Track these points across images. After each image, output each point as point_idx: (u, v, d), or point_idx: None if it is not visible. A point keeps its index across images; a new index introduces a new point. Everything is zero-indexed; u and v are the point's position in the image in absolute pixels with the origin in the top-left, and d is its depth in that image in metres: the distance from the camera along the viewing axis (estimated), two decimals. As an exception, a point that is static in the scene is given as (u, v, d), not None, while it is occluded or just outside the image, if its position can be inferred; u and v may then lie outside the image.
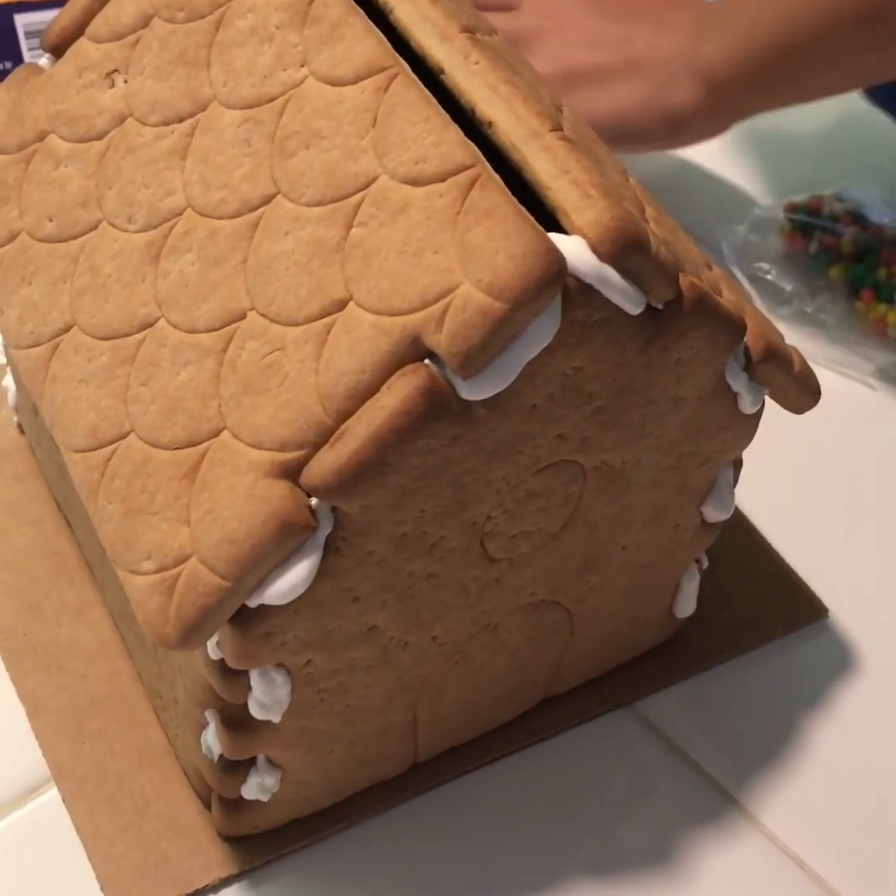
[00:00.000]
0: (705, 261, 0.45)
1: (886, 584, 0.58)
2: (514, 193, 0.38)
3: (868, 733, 0.53)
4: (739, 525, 0.58)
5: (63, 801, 0.49)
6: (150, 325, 0.41)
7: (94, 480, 0.41)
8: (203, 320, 0.40)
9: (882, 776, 0.52)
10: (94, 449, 0.41)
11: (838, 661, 0.56)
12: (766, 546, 0.58)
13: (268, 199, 0.41)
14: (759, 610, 0.56)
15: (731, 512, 0.49)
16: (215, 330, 0.40)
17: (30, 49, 0.71)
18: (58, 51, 0.48)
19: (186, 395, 0.40)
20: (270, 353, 0.39)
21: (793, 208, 0.72)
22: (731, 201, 0.75)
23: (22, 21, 0.71)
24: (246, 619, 0.39)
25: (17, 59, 0.71)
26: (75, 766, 0.49)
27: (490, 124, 0.39)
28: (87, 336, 0.43)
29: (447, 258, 0.37)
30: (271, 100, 0.42)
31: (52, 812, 0.49)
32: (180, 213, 0.42)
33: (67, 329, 0.43)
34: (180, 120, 0.44)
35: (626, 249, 0.37)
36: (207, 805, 0.48)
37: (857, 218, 0.71)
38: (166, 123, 0.44)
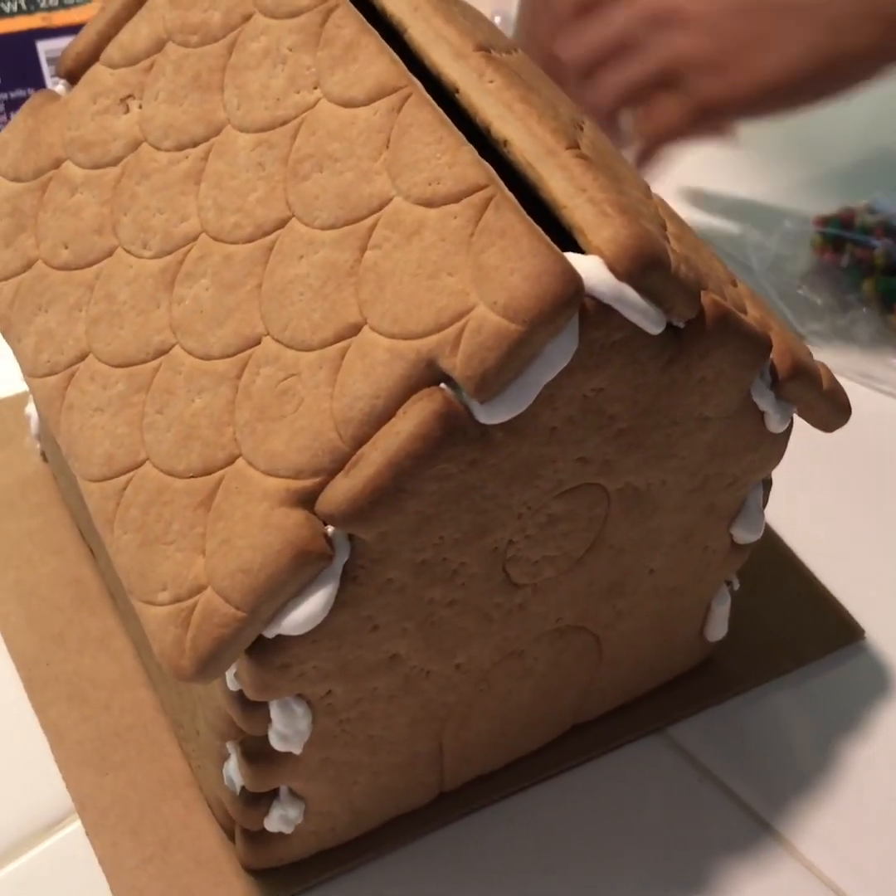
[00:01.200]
0: (730, 277, 0.45)
1: (923, 604, 0.57)
2: (531, 213, 0.37)
3: (906, 758, 0.52)
4: (771, 545, 0.57)
5: (86, 833, 0.48)
6: (165, 351, 0.41)
7: (110, 510, 0.40)
8: (218, 346, 0.40)
9: (921, 802, 0.51)
10: (110, 478, 0.40)
11: (875, 683, 0.55)
12: (798, 566, 0.57)
13: (282, 223, 0.40)
14: (793, 632, 0.55)
15: (761, 533, 0.48)
16: (230, 356, 0.40)
17: (52, 75, 0.71)
18: (73, 77, 0.48)
19: (201, 422, 0.39)
20: (285, 379, 0.38)
21: (824, 221, 0.71)
22: (760, 215, 0.74)
23: (44, 48, 0.71)
24: (263, 650, 0.38)
25: (40, 85, 0.71)
26: (98, 798, 0.49)
27: (505, 143, 0.39)
28: (103, 364, 0.42)
29: (462, 280, 0.36)
30: (285, 123, 0.41)
31: (75, 844, 0.48)
32: (195, 239, 0.42)
33: (83, 357, 0.43)
34: (194, 144, 0.43)
35: (644, 268, 0.36)
36: (231, 837, 0.47)
37: (889, 230, 0.70)
38: (180, 148, 0.43)
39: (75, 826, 0.48)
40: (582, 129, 0.44)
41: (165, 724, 0.50)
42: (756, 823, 0.50)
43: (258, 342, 0.39)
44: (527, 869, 0.49)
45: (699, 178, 0.75)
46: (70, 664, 0.52)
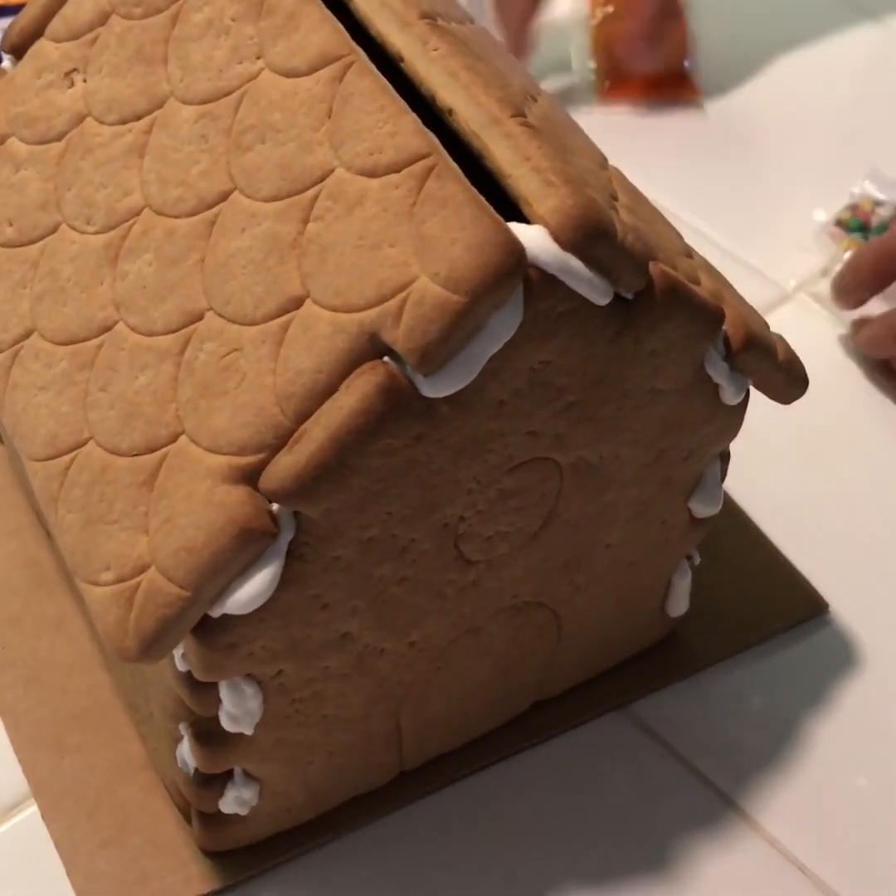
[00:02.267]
0: (685, 249, 0.44)
1: (889, 577, 0.57)
2: (478, 184, 0.36)
3: (870, 732, 0.52)
4: (733, 518, 0.57)
5: (42, 817, 0.48)
6: (109, 328, 0.40)
7: (54, 489, 0.39)
8: (161, 322, 0.39)
9: (884, 776, 0.51)
10: (54, 457, 0.40)
11: (839, 657, 0.54)
12: (762, 539, 0.57)
13: (224, 196, 0.40)
14: (757, 606, 0.55)
15: (720, 507, 0.47)
16: (173, 332, 0.39)
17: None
18: (18, 52, 0.47)
19: (144, 399, 0.39)
20: (228, 354, 0.38)
21: (844, 225, 0.70)
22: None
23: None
24: (209, 630, 0.38)
25: (-4, 64, 0.70)
26: (54, 782, 0.48)
27: (450, 112, 0.38)
28: (47, 342, 0.41)
29: (403, 251, 0.35)
30: (227, 94, 0.41)
31: (31, 829, 0.48)
32: (138, 213, 0.41)
33: (28, 335, 0.42)
34: (138, 118, 0.43)
35: (589, 237, 0.35)
36: (188, 819, 0.47)
37: None
38: (124, 122, 0.43)
39: (31, 810, 0.48)
40: (535, 99, 0.43)
41: (121, 707, 0.50)
42: (720, 800, 0.50)
43: (201, 317, 0.39)
44: (489, 847, 0.48)
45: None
46: (26, 648, 0.51)
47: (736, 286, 0.45)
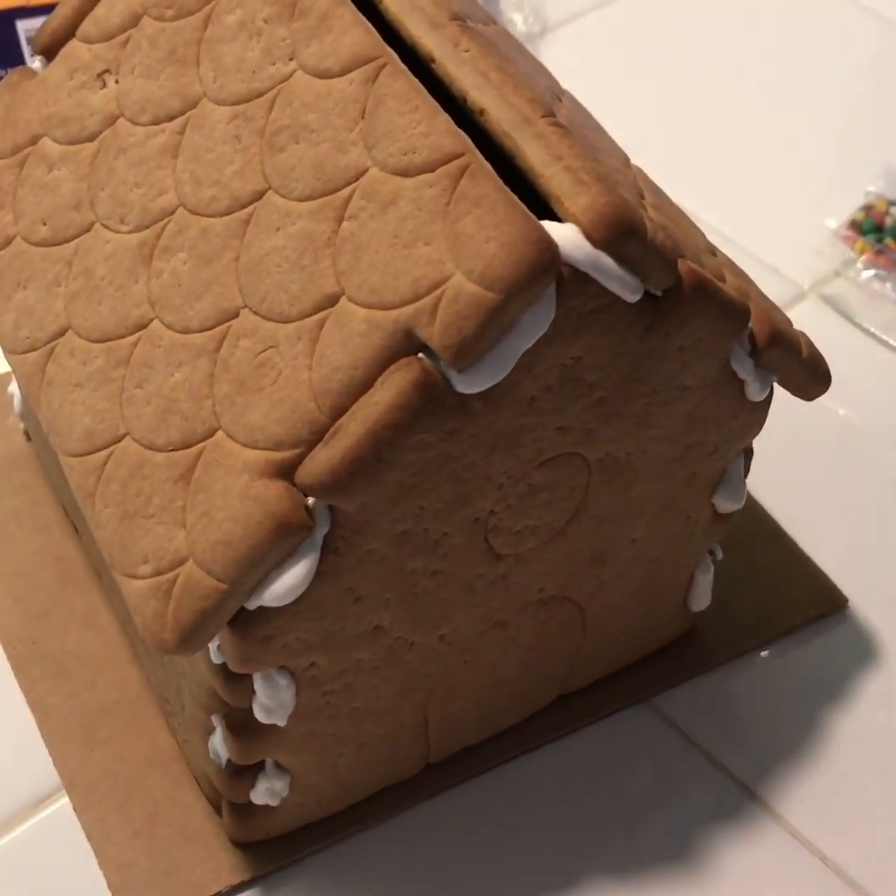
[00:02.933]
0: (709, 247, 0.45)
1: (906, 572, 0.57)
2: (508, 183, 0.37)
3: (890, 725, 0.52)
4: (754, 514, 0.57)
5: (74, 809, 0.48)
6: (144, 326, 0.41)
7: (91, 485, 0.40)
8: (196, 320, 0.40)
9: (905, 768, 0.51)
10: (90, 453, 0.40)
11: (859, 651, 0.55)
12: (782, 535, 0.57)
13: (258, 196, 0.40)
14: (777, 601, 0.55)
15: (743, 502, 0.48)
16: (208, 329, 0.39)
17: (31, 55, 0.71)
18: (49, 53, 0.48)
19: (180, 396, 0.39)
20: (263, 351, 0.38)
21: (858, 227, 0.70)
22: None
23: (24, 27, 0.71)
24: (245, 622, 0.38)
25: (20, 65, 0.71)
26: (85, 774, 0.49)
27: (481, 112, 0.39)
28: (82, 339, 0.42)
29: (438, 249, 0.36)
30: (260, 95, 0.41)
31: (63, 821, 0.48)
32: (172, 213, 0.42)
33: (62, 333, 0.43)
34: (171, 118, 0.43)
35: (620, 235, 0.36)
36: (218, 811, 0.47)
37: None
38: (157, 122, 0.43)
39: (63, 802, 0.48)
40: (560, 100, 0.44)
41: (151, 700, 0.50)
42: (742, 792, 0.50)
43: (236, 315, 0.39)
44: (514, 839, 0.49)
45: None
46: (55, 642, 0.52)
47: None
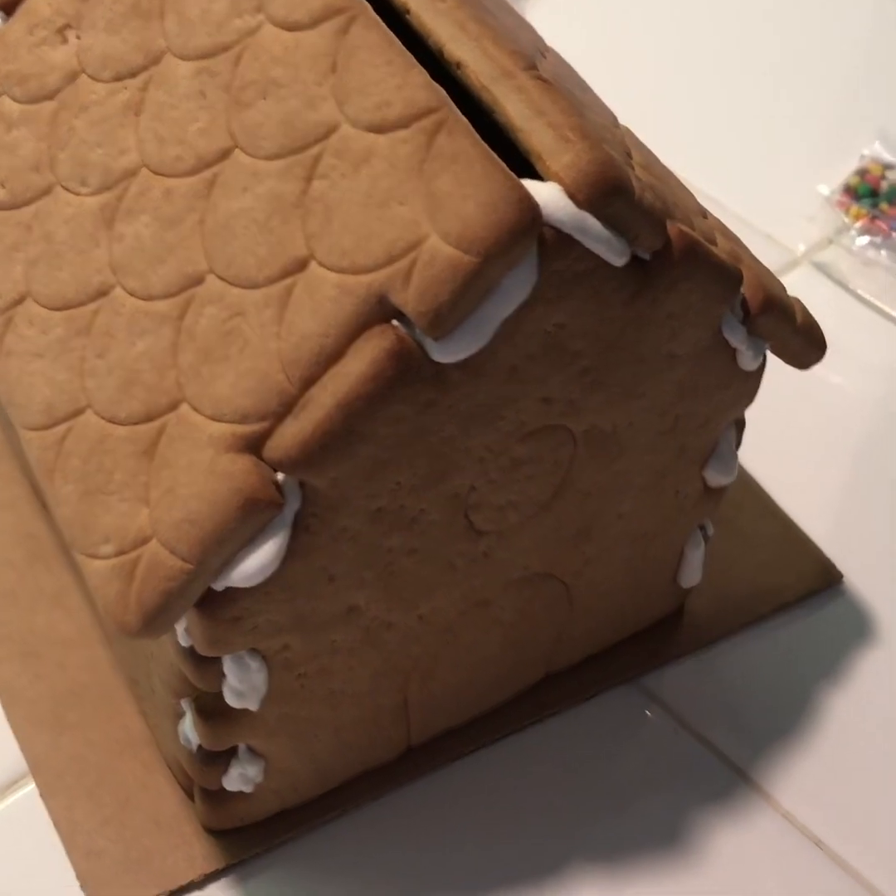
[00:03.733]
0: (700, 209, 0.43)
1: (902, 546, 0.56)
2: (488, 139, 0.35)
3: (886, 704, 0.51)
4: (746, 487, 0.56)
5: (41, 795, 0.46)
6: (105, 293, 0.39)
7: (50, 459, 0.38)
8: (159, 286, 0.38)
9: (902, 750, 0.50)
10: (50, 426, 0.38)
11: (854, 627, 0.53)
12: (775, 509, 0.56)
13: (225, 154, 0.38)
14: (770, 577, 0.53)
15: (735, 476, 0.46)
16: (172, 296, 0.38)
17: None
18: (9, 9, 0.45)
19: (143, 366, 0.37)
20: (230, 318, 0.36)
21: (852, 192, 0.68)
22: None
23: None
24: (213, 603, 0.36)
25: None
26: (53, 759, 0.47)
27: (459, 65, 0.37)
28: (42, 307, 0.40)
29: (413, 209, 0.34)
30: (226, 49, 0.39)
31: (29, 808, 0.47)
32: (135, 173, 0.40)
33: (21, 300, 0.41)
34: (133, 74, 0.41)
35: (606, 195, 0.34)
36: (191, 797, 0.46)
37: None
38: (119, 79, 0.41)
39: (29, 788, 0.47)
40: (544, 56, 0.42)
41: (122, 683, 0.49)
42: (734, 774, 0.49)
43: (201, 280, 0.37)
44: (497, 823, 0.47)
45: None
46: (23, 622, 0.50)
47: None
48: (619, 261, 0.36)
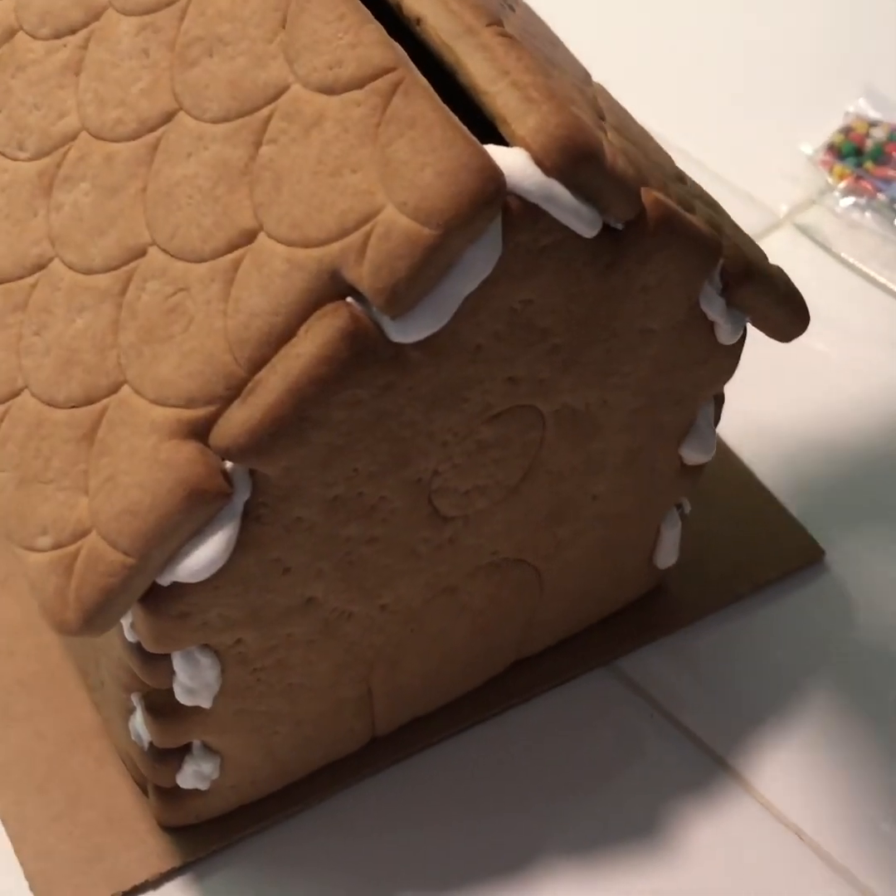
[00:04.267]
0: (677, 174, 0.41)
1: (884, 521, 0.54)
2: (450, 102, 0.32)
3: (868, 685, 0.49)
4: (725, 463, 0.54)
5: (-12, 791, 0.44)
6: (43, 266, 0.37)
7: (-14, 445, 0.36)
8: (99, 259, 0.35)
9: (883, 733, 0.48)
10: (-16, 409, 0.36)
11: (836, 606, 0.51)
12: (755, 483, 0.54)
13: (168, 117, 0.36)
14: (749, 554, 0.52)
15: (713, 453, 0.44)
16: (113, 269, 0.35)
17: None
18: (-58, -42, 0.43)
19: (83, 345, 0.35)
20: (173, 294, 0.34)
21: (836, 150, 0.66)
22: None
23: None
24: (158, 599, 0.34)
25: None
26: (0, 752, 0.45)
27: (419, 21, 0.34)
28: (-24, 281, 0.38)
29: (367, 177, 0.32)
30: (170, 3, 0.36)
31: (-24, 804, 0.45)
32: (74, 138, 0.37)
33: (-45, 274, 0.38)
34: (73, 31, 0.38)
35: (575, 161, 0.32)
36: (145, 792, 0.44)
37: None
38: (58, 36, 0.39)
39: (-23, 784, 0.45)
40: (513, 9, 0.39)
41: (73, 671, 0.47)
42: (711, 760, 0.47)
43: (143, 253, 0.35)
44: (467, 813, 0.45)
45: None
46: (-31, 607, 0.48)
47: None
48: (589, 232, 0.33)
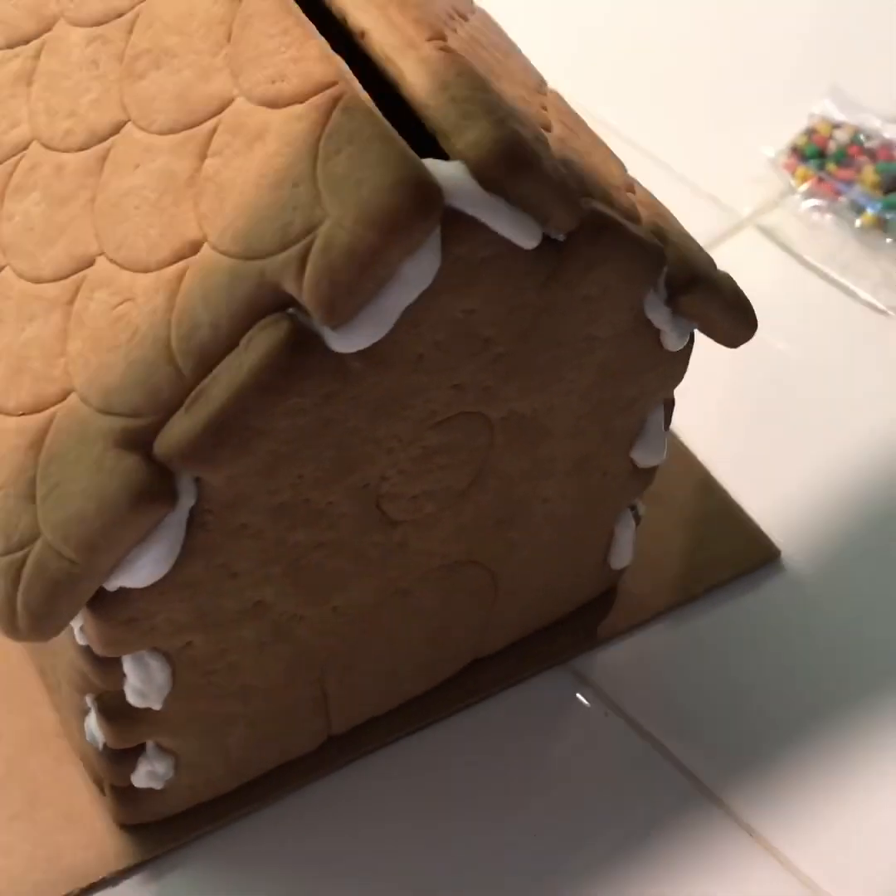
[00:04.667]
0: (626, 183, 0.41)
1: (841, 521, 0.54)
2: (397, 116, 0.33)
3: (825, 683, 0.50)
4: (681, 462, 0.54)
5: (-53, 790, 0.45)
6: (-6, 274, 0.37)
7: (-63, 451, 0.36)
8: (49, 268, 0.36)
9: (839, 735, 0.48)
10: (-64, 416, 0.36)
11: (793, 606, 0.52)
12: (711, 483, 0.54)
13: (117, 128, 0.36)
14: (705, 553, 0.52)
15: (663, 456, 0.45)
16: (62, 279, 0.36)
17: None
18: None
19: (32, 353, 0.35)
20: (120, 304, 0.34)
21: (799, 153, 0.66)
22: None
23: None
24: (106, 604, 0.35)
25: None
26: (-40, 752, 0.46)
27: (362, 34, 0.35)
28: (-70, 289, 0.38)
29: (308, 191, 0.32)
30: (120, 15, 0.37)
31: (-64, 803, 0.45)
32: (26, 147, 0.38)
33: None
34: (26, 41, 0.39)
35: (512, 174, 0.32)
36: (103, 791, 0.44)
37: (861, 142, 0.65)
38: (11, 46, 0.39)
39: (-64, 783, 0.45)
40: (466, 19, 0.40)
41: (33, 673, 0.47)
42: (666, 760, 0.48)
43: (92, 263, 0.35)
44: (422, 813, 0.46)
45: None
46: (-69, 608, 0.48)
47: (686, 215, 0.41)
48: (529, 243, 0.34)
